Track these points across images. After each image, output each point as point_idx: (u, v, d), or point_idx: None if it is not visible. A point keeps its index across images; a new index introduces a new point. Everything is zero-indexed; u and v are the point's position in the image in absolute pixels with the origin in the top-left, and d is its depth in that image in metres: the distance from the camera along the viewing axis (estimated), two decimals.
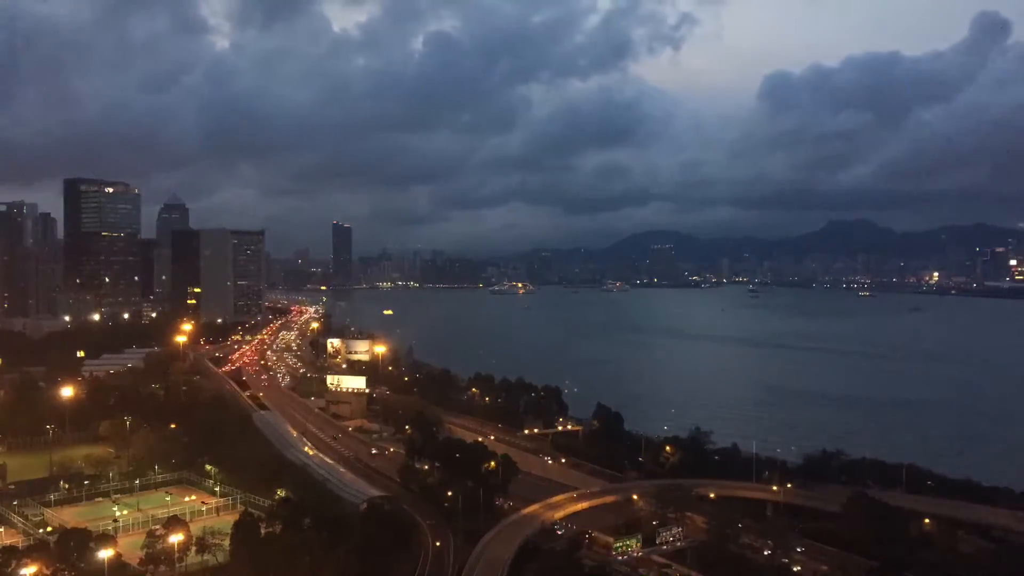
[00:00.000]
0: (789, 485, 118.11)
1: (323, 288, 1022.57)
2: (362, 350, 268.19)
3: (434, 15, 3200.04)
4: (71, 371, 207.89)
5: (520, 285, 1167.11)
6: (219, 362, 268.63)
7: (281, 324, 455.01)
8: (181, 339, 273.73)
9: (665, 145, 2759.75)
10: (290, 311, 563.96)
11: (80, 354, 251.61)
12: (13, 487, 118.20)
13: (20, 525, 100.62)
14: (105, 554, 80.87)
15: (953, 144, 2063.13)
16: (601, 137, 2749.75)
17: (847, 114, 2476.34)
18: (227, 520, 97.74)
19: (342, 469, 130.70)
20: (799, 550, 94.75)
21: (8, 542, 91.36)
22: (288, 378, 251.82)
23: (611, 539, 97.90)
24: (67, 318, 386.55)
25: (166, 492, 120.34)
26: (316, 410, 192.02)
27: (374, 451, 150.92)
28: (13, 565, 77.67)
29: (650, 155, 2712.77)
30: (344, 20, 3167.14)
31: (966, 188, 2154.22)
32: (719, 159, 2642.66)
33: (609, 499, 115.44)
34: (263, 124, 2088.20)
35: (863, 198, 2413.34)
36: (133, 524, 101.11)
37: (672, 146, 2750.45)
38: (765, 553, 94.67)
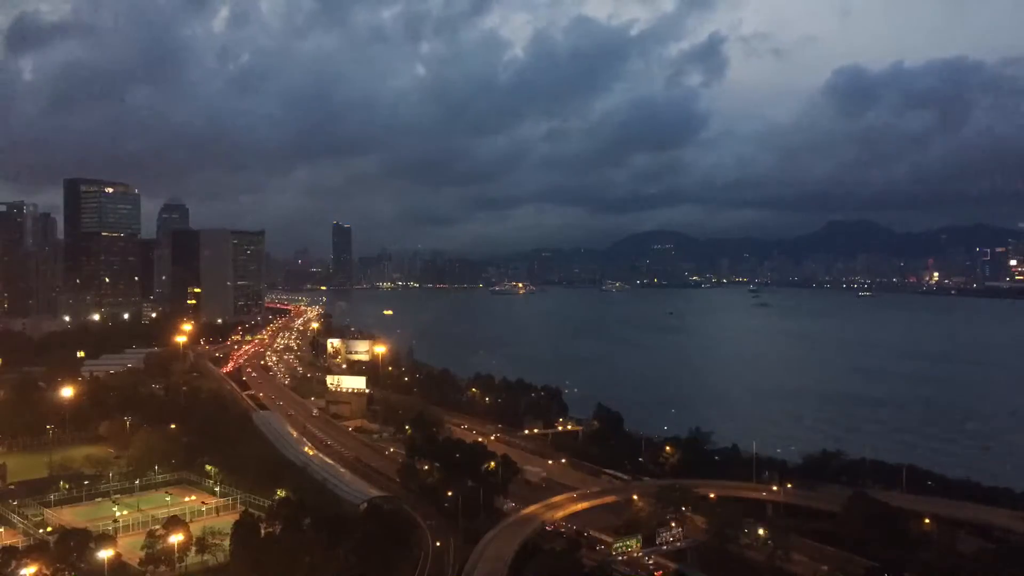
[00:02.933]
0: (789, 485, 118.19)
1: (323, 288, 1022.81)
2: (362, 350, 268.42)
3: (547, 23, 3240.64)
4: (71, 371, 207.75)
5: (520, 285, 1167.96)
6: (219, 362, 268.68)
7: (281, 324, 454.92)
8: (181, 339, 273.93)
9: (719, 146, 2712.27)
10: (290, 311, 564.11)
11: (80, 354, 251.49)
12: (13, 487, 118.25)
13: (20, 525, 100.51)
14: (105, 554, 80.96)
15: (1001, 146, 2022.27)
16: (656, 141, 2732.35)
17: (912, 115, 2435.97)
18: (227, 520, 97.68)
19: (342, 469, 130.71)
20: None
21: (8, 542, 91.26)
22: (288, 378, 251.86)
23: (611, 539, 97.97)
24: (67, 318, 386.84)
25: (166, 492, 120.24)
26: (316, 410, 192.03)
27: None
28: (13, 565, 77.69)
29: (701, 156, 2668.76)
30: (469, 28, 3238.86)
31: (967, 188, 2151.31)
32: (767, 159, 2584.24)
33: (609, 499, 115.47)
34: (349, 127, 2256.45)
35: (863, 198, 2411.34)
36: (133, 524, 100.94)
37: (725, 146, 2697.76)
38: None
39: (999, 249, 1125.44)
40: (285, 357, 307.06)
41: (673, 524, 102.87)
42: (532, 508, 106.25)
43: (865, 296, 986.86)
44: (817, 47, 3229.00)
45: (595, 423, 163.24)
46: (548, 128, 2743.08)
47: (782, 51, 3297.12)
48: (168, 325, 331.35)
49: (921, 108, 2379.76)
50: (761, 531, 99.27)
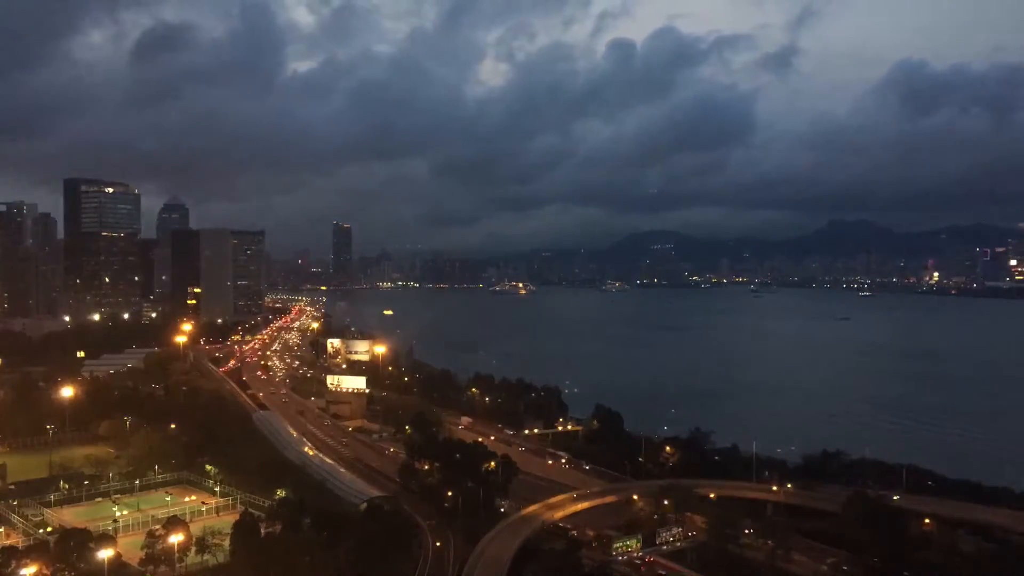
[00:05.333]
0: (789, 485, 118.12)
1: (323, 288, 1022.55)
2: (362, 350, 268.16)
3: (633, 31, 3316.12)
4: (71, 371, 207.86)
5: (520, 285, 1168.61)
6: (219, 362, 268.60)
7: (281, 324, 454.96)
8: (181, 339, 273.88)
9: (766, 148, 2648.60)
10: (290, 311, 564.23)
11: (80, 354, 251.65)
12: (13, 487, 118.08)
13: (20, 525, 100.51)
14: (105, 554, 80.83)
15: None
16: (701, 144, 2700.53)
17: (963, 115, 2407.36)
18: (227, 520, 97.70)
19: (342, 469, 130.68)
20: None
21: (8, 542, 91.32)
22: (288, 378, 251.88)
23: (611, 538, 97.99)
24: (67, 318, 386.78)
25: (166, 492, 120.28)
26: (316, 410, 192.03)
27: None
28: (13, 565, 77.58)
29: (745, 158, 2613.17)
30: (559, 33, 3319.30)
31: (966, 188, 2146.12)
32: (809, 159, 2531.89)
33: (609, 499, 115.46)
34: (413, 130, 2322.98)
35: (864, 198, 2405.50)
36: (133, 524, 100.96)
37: (773, 148, 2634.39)
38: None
39: (999, 249, 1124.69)
40: (285, 357, 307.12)
41: (673, 524, 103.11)
42: (532, 508, 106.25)
43: (865, 296, 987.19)
44: (879, 51, 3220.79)
45: (595, 423, 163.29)
46: (611, 132, 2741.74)
47: (849, 56, 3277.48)
48: (168, 325, 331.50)
49: (979, 109, 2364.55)
50: (761, 531, 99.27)
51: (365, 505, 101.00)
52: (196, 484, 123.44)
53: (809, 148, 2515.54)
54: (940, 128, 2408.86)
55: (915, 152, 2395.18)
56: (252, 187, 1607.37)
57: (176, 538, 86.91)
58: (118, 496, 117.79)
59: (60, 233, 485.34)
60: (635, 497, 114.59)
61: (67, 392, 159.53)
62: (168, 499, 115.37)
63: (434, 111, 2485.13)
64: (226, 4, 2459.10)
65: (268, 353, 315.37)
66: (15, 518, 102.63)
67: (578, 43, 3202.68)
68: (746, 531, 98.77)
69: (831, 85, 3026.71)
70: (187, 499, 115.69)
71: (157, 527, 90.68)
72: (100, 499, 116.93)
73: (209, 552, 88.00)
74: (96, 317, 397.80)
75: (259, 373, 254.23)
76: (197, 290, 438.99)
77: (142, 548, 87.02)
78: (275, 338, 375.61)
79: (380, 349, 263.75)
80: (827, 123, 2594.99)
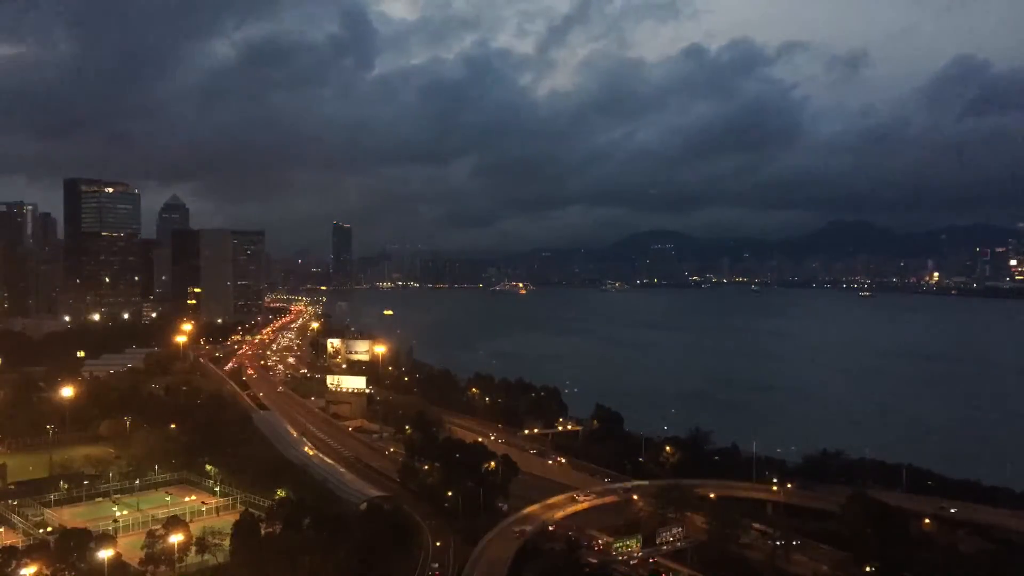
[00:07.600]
0: (789, 485, 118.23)
1: (323, 288, 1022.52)
2: (362, 350, 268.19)
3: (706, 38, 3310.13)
4: (71, 371, 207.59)
5: (520, 285, 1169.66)
6: (219, 362, 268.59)
7: (281, 324, 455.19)
8: (181, 339, 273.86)
9: (808, 148, 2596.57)
10: (290, 311, 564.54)
11: (80, 354, 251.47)
12: (13, 487, 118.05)
13: (20, 525, 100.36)
14: (105, 554, 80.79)
15: None
16: (747, 144, 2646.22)
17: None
18: (227, 520, 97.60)
19: (342, 469, 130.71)
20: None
21: (8, 542, 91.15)
22: (288, 378, 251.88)
23: (611, 539, 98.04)
24: (67, 318, 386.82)
25: (166, 492, 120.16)
26: (316, 410, 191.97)
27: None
28: (13, 565, 77.58)
29: (787, 159, 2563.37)
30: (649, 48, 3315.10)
31: (966, 188, 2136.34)
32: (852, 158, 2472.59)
33: (609, 499, 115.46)
34: (466, 131, 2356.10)
35: (864, 198, 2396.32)
36: (133, 524, 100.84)
37: (814, 147, 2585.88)
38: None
39: (999, 249, 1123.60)
40: (285, 357, 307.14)
41: (673, 524, 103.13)
42: (532, 508, 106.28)
43: (865, 296, 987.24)
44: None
45: (595, 423, 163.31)
46: (657, 134, 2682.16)
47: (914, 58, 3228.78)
48: (168, 325, 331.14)
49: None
50: (761, 531, 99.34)
51: (365, 505, 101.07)
52: (196, 484, 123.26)
53: (850, 149, 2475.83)
54: (991, 128, 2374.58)
55: (963, 152, 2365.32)
56: (284, 188, 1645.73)
57: (176, 538, 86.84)
58: (118, 496, 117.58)
59: (60, 233, 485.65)
60: (635, 497, 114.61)
61: (67, 392, 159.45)
62: (168, 499, 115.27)
63: (494, 117, 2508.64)
64: (326, 11, 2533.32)
65: (268, 353, 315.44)
66: (15, 518, 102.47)
67: (665, 55, 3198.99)
68: (753, 527, 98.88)
69: (892, 88, 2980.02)
70: (187, 499, 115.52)
71: (157, 527, 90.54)
72: (100, 499, 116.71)
73: (209, 552, 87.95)
74: (96, 317, 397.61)
75: (259, 373, 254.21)
76: (197, 290, 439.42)
77: (142, 548, 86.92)
78: (275, 338, 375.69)
79: (380, 349, 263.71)
80: (873, 124, 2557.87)
